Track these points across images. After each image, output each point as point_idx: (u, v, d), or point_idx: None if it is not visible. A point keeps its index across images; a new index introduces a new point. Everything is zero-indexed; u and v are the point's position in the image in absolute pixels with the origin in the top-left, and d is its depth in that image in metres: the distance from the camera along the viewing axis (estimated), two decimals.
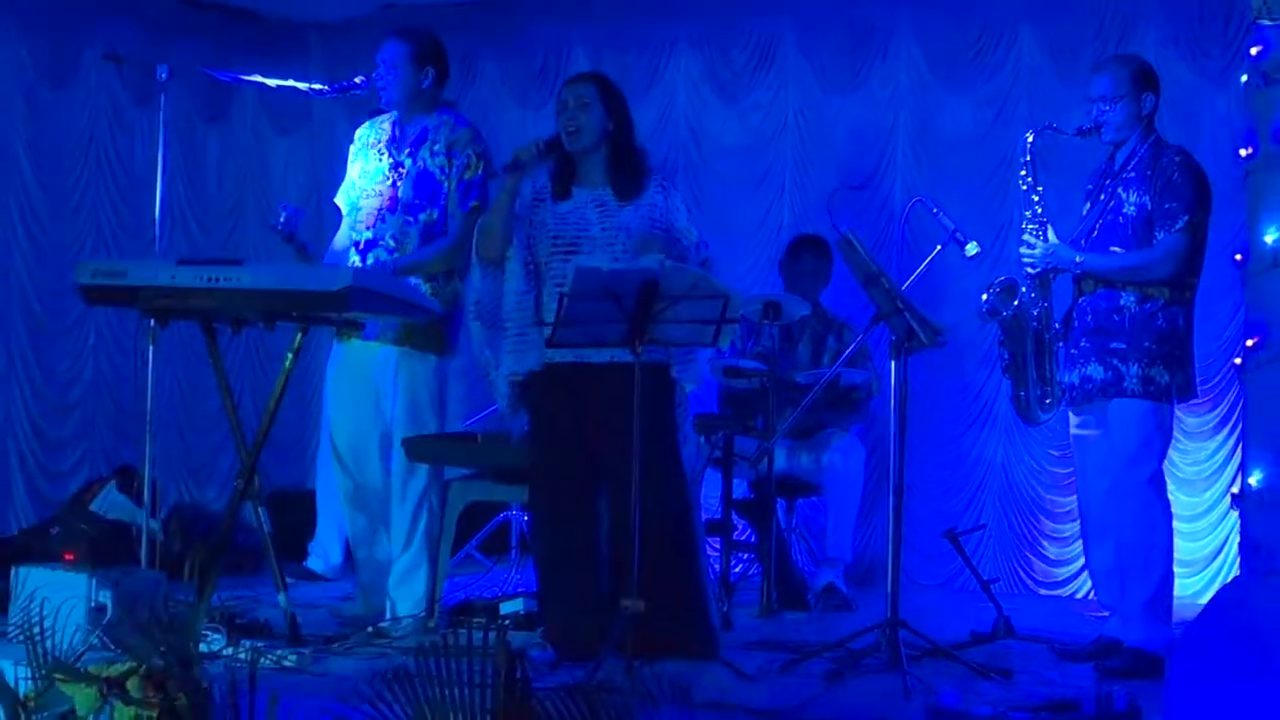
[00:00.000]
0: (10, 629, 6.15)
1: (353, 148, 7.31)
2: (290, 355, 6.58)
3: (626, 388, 6.13)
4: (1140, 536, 6.37)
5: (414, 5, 9.78)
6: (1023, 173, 6.72)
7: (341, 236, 7.29)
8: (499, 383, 6.63)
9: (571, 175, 6.57)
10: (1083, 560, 8.18)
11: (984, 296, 6.70)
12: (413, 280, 6.91)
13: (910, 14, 9.22)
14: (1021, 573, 8.86)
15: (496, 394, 6.68)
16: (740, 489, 8.12)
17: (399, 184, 7.07)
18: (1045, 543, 8.85)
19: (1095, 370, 6.50)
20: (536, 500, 6.60)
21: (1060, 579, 8.79)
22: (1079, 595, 8.61)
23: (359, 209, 7.17)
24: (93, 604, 6.24)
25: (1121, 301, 6.47)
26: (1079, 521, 7.16)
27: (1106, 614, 6.78)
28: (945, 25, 9.12)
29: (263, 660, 5.74)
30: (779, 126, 9.49)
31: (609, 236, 6.45)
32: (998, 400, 8.81)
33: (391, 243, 7.05)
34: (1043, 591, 8.79)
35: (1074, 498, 7.81)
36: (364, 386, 7.10)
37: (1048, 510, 8.84)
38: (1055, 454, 8.71)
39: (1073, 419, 6.72)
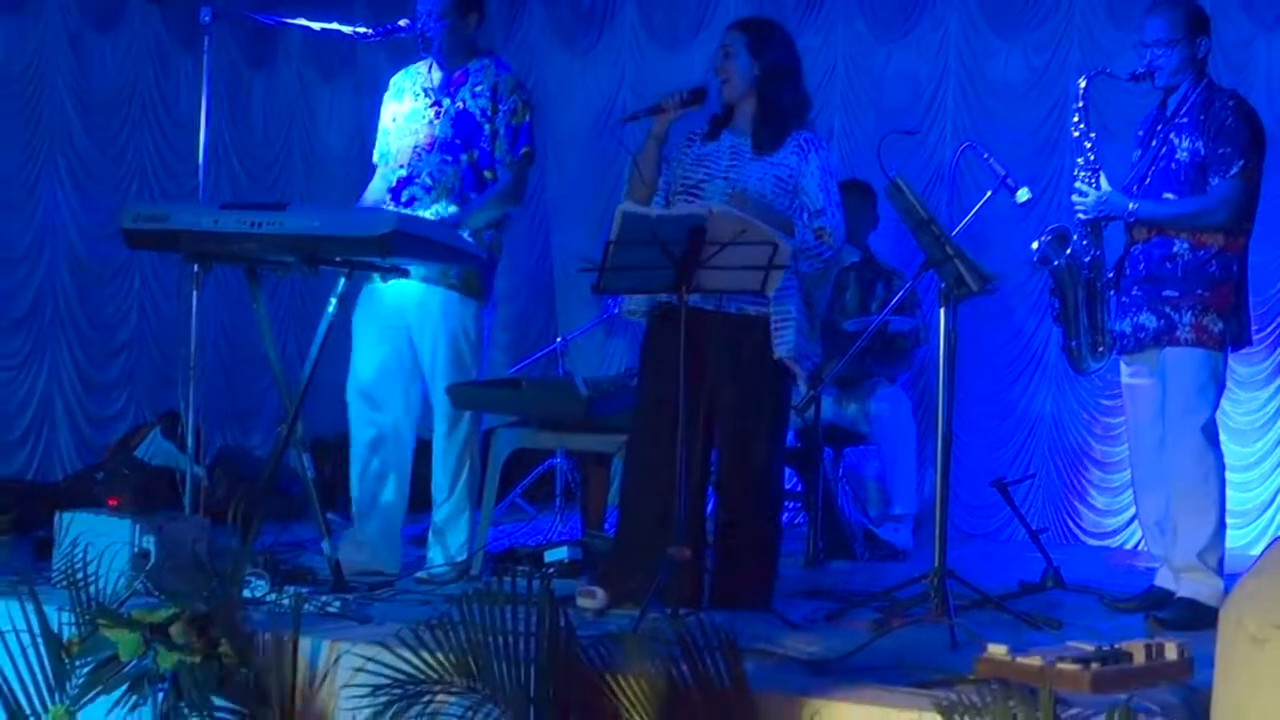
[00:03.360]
0: (54, 574, 6.18)
1: (387, 94, 7.25)
2: (334, 300, 6.54)
3: (740, 338, 6.27)
4: (1193, 486, 6.28)
5: None
6: (1075, 119, 6.61)
7: (375, 186, 7.22)
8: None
9: (727, 118, 6.52)
10: (1132, 510, 8.16)
11: (1035, 245, 6.62)
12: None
13: None
14: (1070, 523, 8.83)
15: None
16: (791, 437, 8.03)
17: (435, 123, 7.01)
18: (1094, 493, 8.81)
19: (1148, 319, 6.41)
20: (633, 441, 6.50)
21: (1109, 529, 8.76)
22: (1128, 546, 8.58)
23: (395, 150, 7.11)
24: (136, 549, 6.23)
25: (1174, 249, 6.37)
26: (1129, 471, 7.10)
27: (1157, 565, 6.71)
28: None
29: (306, 606, 5.72)
30: (828, 72, 9.42)
31: (729, 186, 6.37)
32: (1047, 349, 8.77)
33: (429, 180, 6.98)
34: (1091, 542, 8.75)
35: (1123, 448, 7.78)
36: (397, 327, 7.03)
37: (1097, 460, 8.80)
38: (1106, 403, 8.66)
39: (1124, 368, 6.65)
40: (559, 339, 9.28)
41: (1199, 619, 6.04)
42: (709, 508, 6.59)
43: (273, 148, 10.43)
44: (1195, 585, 6.27)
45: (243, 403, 9.99)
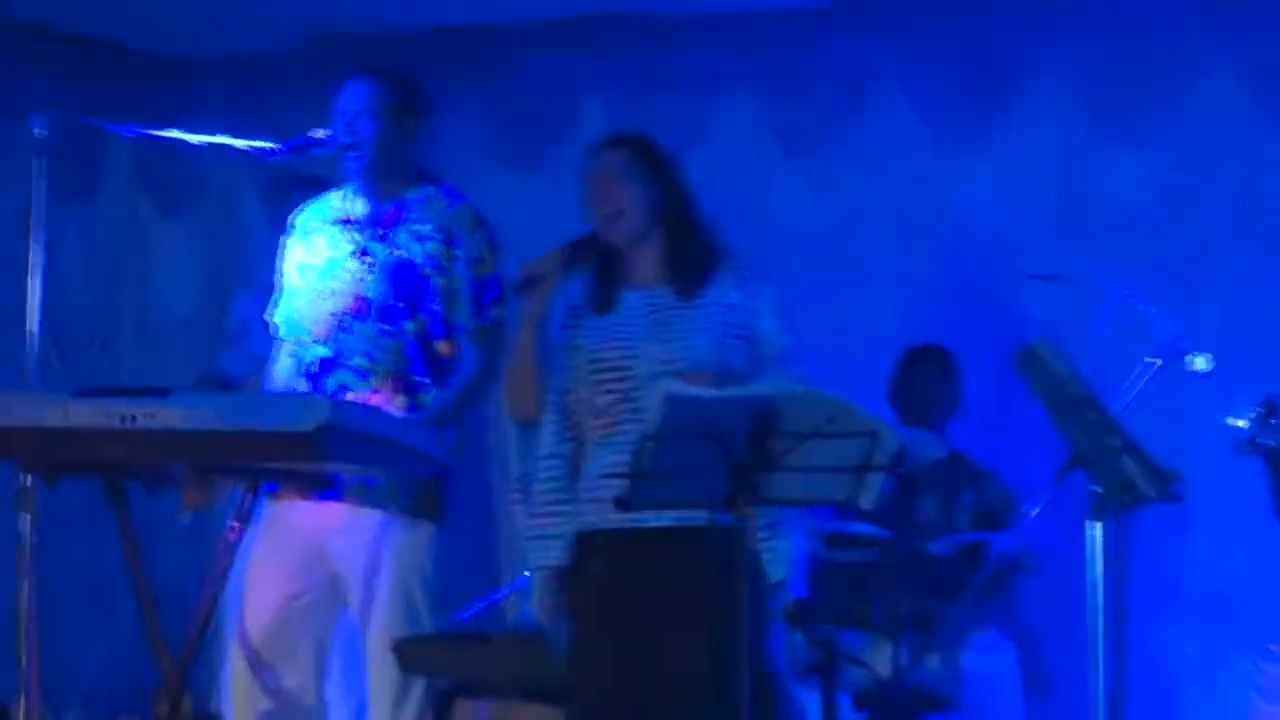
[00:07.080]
0: None
1: (288, 238, 6.94)
2: (235, 524, 6.11)
3: (697, 561, 5.83)
4: None
5: (356, 35, 9.64)
6: None
7: (282, 366, 6.89)
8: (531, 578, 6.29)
9: (619, 275, 6.13)
10: None
11: (1241, 423, 6.39)
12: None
13: (1062, 46, 9.05)
14: None
15: (532, 594, 6.29)
16: (846, 704, 7.71)
17: (366, 280, 6.70)
18: None
19: None
20: None
21: None
22: None
23: (306, 319, 6.78)
24: None
25: None
26: None
27: None
28: (1109, 58, 8.96)
29: None
30: (874, 195, 9.27)
31: (665, 353, 5.97)
32: (1188, 568, 8.50)
33: (363, 361, 6.65)
34: None
35: None
36: (313, 560, 6.71)
37: None
38: (1274, 649, 8.38)
39: None
40: (526, 572, 8.91)
41: None
42: None
43: (96, 307, 10.13)
44: None
45: (71, 668, 9.57)
